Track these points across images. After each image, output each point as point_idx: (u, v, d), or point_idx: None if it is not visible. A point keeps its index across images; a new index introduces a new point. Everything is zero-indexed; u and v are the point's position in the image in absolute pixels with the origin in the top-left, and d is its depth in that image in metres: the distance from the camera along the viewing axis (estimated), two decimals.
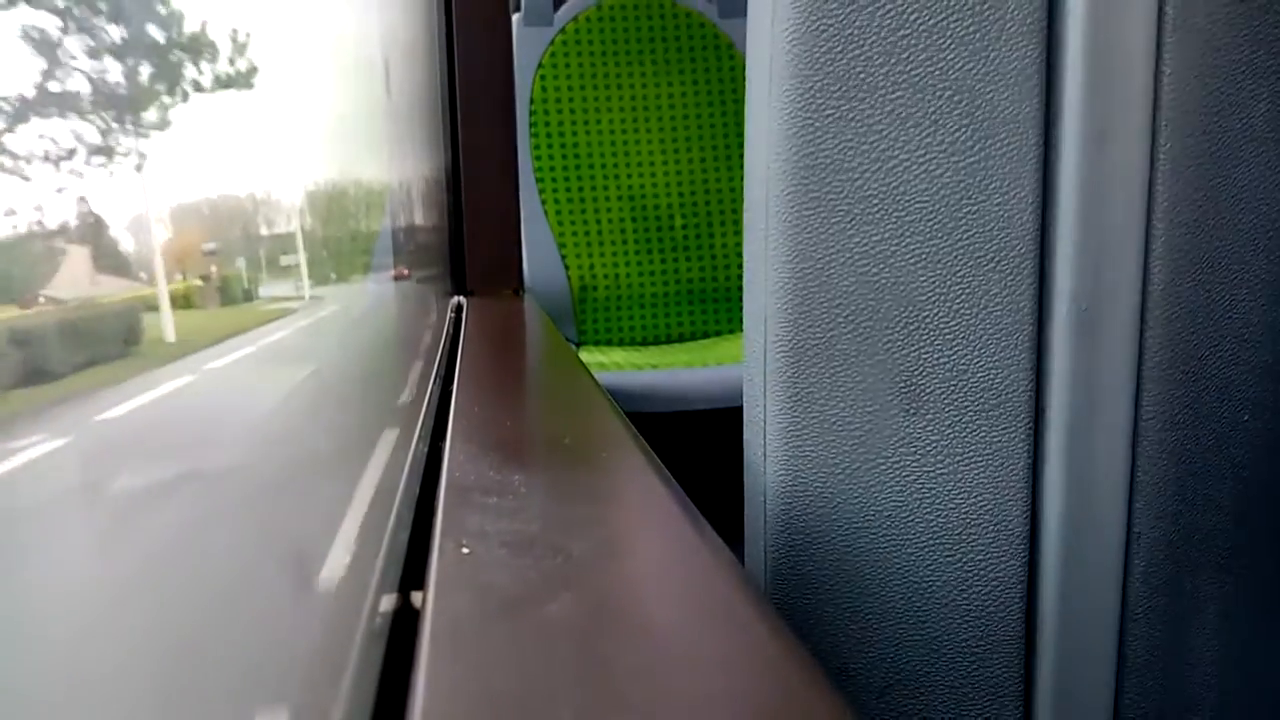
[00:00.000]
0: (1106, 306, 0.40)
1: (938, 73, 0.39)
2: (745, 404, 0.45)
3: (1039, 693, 0.43)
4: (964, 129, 0.39)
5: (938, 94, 0.39)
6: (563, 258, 1.52)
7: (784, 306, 0.41)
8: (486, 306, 0.92)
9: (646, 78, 1.54)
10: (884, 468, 0.41)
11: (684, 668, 0.22)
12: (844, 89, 0.39)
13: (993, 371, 0.41)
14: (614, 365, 1.35)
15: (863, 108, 0.39)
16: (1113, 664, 0.43)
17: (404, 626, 0.28)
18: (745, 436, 0.46)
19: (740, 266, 0.47)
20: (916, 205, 0.40)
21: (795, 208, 0.40)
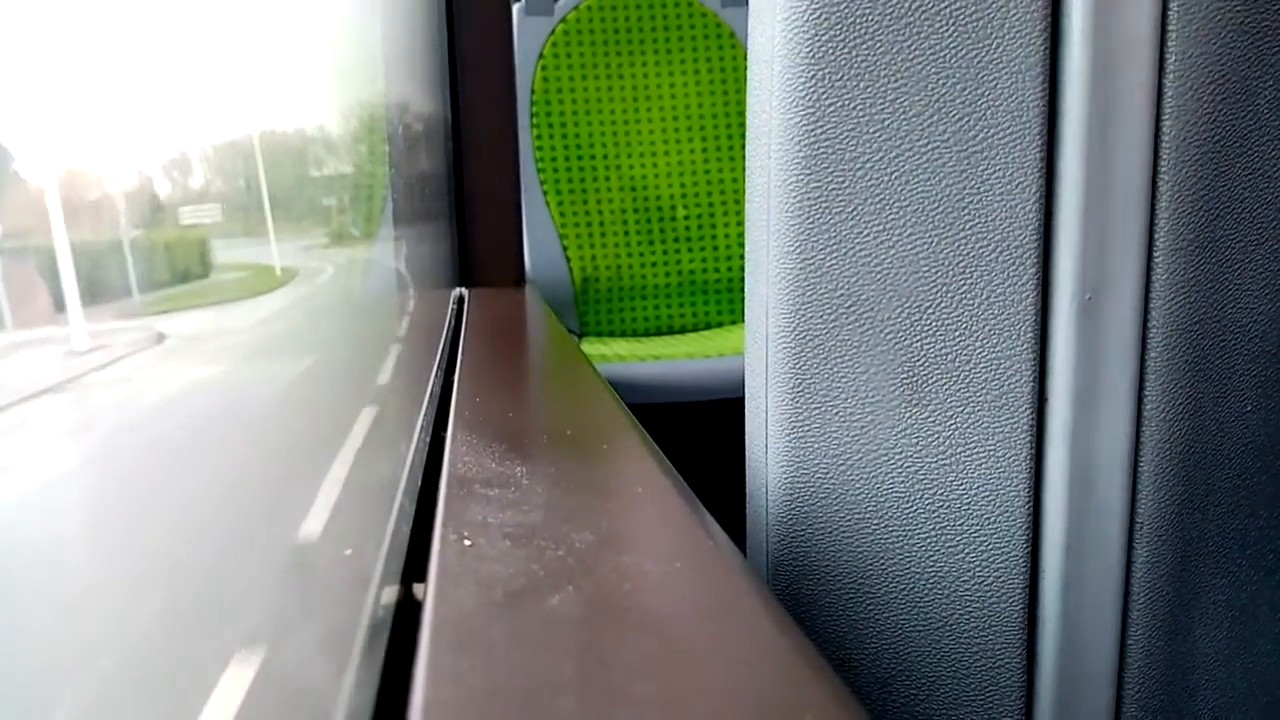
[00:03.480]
0: (1110, 295, 0.40)
1: (940, 61, 0.39)
2: (747, 395, 0.45)
3: (1041, 683, 0.43)
4: (967, 117, 0.39)
5: (940, 82, 0.39)
6: (564, 249, 1.52)
7: (786, 297, 0.41)
8: (488, 298, 0.92)
9: (648, 68, 1.53)
10: (886, 458, 0.41)
11: (687, 660, 0.22)
12: (846, 78, 0.39)
13: (995, 361, 0.41)
14: (616, 357, 1.35)
15: (865, 97, 0.39)
16: (1115, 654, 0.43)
17: (406, 619, 0.28)
18: (747, 428, 0.45)
19: (742, 257, 0.46)
20: (919, 194, 0.40)
21: (797, 198, 0.40)
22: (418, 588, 0.29)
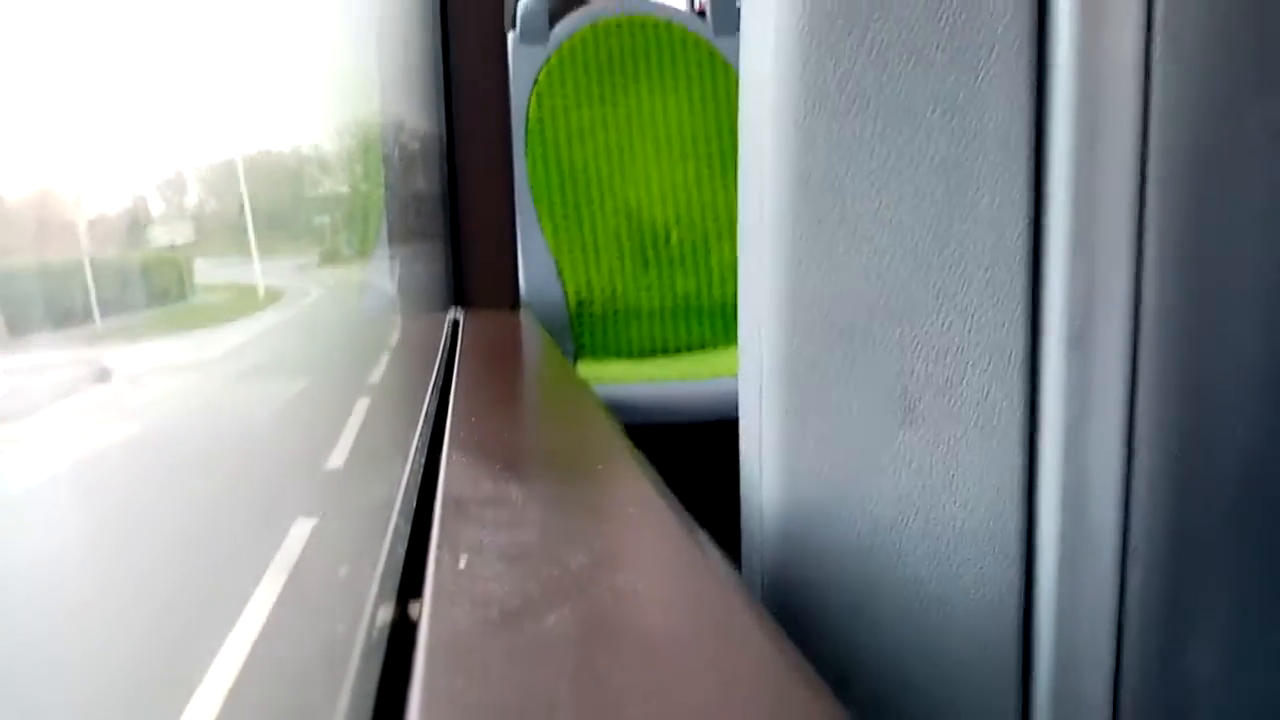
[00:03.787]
0: (1099, 319, 0.41)
1: (928, 90, 0.40)
2: (741, 416, 0.45)
3: (1036, 705, 0.43)
4: (954, 145, 0.40)
5: (928, 111, 0.40)
6: (559, 272, 1.53)
7: (778, 320, 0.41)
8: (483, 321, 0.92)
9: (641, 95, 1.55)
10: (879, 481, 0.41)
11: (683, 680, 0.22)
12: (836, 106, 0.40)
13: (986, 384, 0.41)
14: (611, 378, 1.35)
15: (854, 125, 0.40)
16: (1109, 677, 0.43)
17: (401, 639, 0.28)
18: (741, 448, 0.46)
19: (736, 280, 0.47)
20: (908, 221, 0.40)
21: (788, 223, 0.41)
22: (413, 608, 0.29)
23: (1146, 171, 0.40)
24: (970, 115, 0.40)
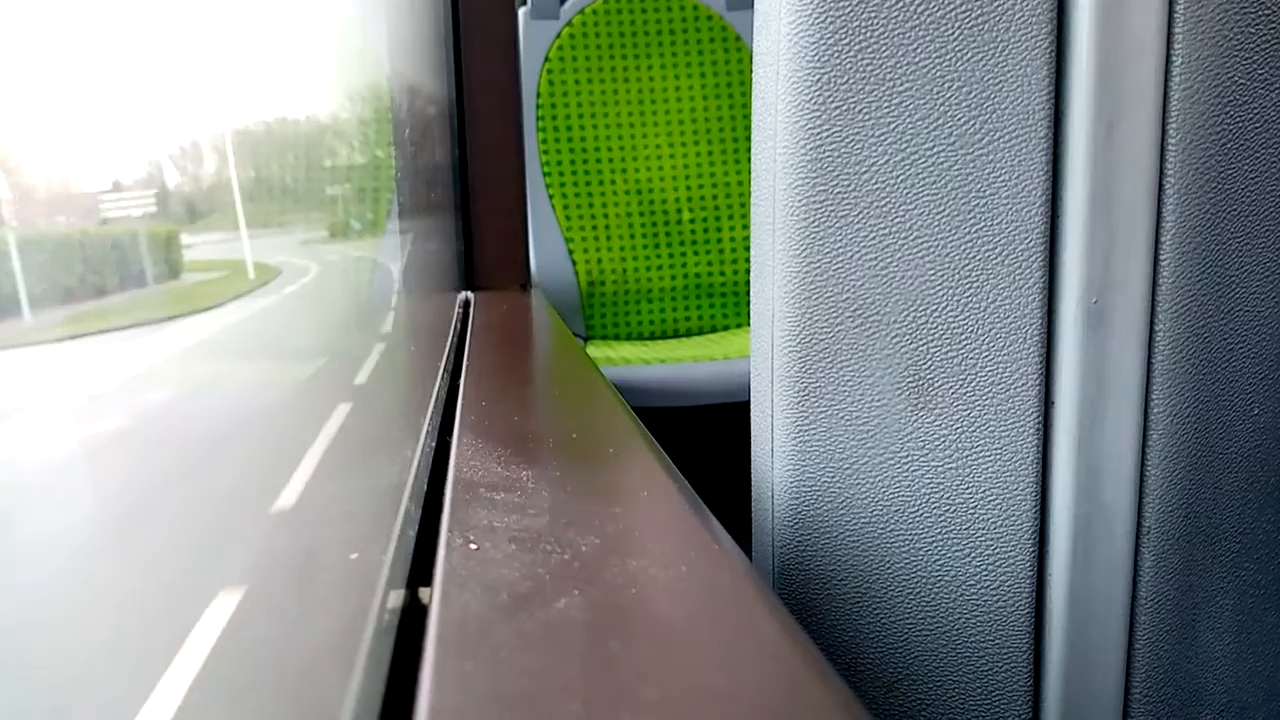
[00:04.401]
0: (1116, 299, 0.40)
1: (946, 65, 0.39)
2: (753, 398, 0.45)
3: (1048, 687, 0.43)
4: (972, 121, 0.39)
5: (946, 87, 0.39)
6: (570, 252, 1.52)
7: (791, 300, 0.41)
8: (494, 302, 0.92)
9: (654, 71, 1.54)
10: (892, 462, 0.41)
11: (693, 664, 0.22)
12: (851, 82, 0.39)
13: (1001, 365, 0.41)
14: (622, 360, 1.35)
15: (870, 101, 0.39)
16: (1122, 659, 0.42)
17: (412, 623, 0.28)
18: (753, 431, 0.45)
19: (748, 260, 0.46)
20: (925, 198, 0.40)
21: (803, 201, 0.40)
22: (423, 592, 0.30)
23: (1165, 151, 0.39)
24: (988, 91, 0.39)
